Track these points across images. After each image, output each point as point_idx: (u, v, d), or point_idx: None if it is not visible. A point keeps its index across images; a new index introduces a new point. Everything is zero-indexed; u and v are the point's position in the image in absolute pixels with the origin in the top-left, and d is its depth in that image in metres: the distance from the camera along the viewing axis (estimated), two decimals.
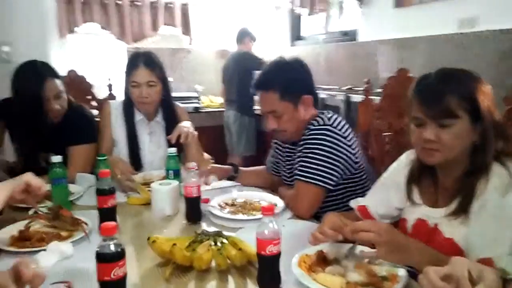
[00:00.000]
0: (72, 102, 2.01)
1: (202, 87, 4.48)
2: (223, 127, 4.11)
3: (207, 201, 1.56)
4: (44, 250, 1.16)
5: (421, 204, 1.18)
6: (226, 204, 1.57)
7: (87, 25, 3.99)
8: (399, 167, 1.27)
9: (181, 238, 1.21)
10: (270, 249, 0.99)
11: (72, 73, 2.42)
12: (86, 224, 1.32)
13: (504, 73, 2.11)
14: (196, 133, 1.89)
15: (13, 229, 1.30)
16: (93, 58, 4.07)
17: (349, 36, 3.66)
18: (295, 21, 4.51)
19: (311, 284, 0.98)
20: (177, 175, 1.62)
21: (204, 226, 1.42)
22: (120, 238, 1.32)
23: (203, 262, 1.09)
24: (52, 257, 1.14)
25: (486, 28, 2.28)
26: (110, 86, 2.48)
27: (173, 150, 1.65)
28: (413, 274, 0.99)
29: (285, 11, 4.46)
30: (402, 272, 1.00)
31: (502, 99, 1.45)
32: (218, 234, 1.20)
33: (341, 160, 1.51)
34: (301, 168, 1.52)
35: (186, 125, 1.87)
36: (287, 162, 1.71)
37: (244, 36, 4.03)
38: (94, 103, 2.43)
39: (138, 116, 1.99)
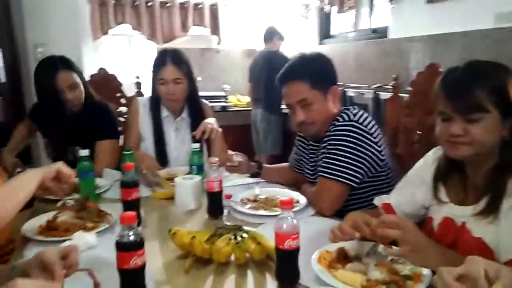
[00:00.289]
0: (97, 99, 2.07)
1: (229, 87, 4.51)
2: (250, 126, 4.12)
3: (229, 196, 1.56)
4: (69, 239, 1.19)
5: (448, 202, 1.13)
6: (248, 200, 1.56)
7: (119, 27, 4.10)
8: (426, 164, 1.22)
9: (201, 231, 1.21)
10: (289, 244, 0.97)
11: (102, 71, 2.49)
12: (110, 215, 1.35)
13: None
14: (220, 129, 1.90)
15: (42, 219, 1.34)
16: (124, 58, 4.17)
17: (379, 33, 3.59)
18: (325, 19, 4.47)
19: (331, 280, 0.96)
20: (200, 170, 1.63)
21: (226, 221, 1.42)
22: (144, 231, 1.37)
23: (222, 255, 1.09)
24: None
25: None
26: (138, 84, 2.52)
27: (196, 145, 1.66)
28: None
29: (314, 9, 4.43)
30: (426, 271, 0.96)
31: None
32: (238, 228, 1.19)
33: (366, 157, 1.47)
34: (324, 164, 1.49)
35: (210, 122, 1.89)
36: (311, 160, 1.68)
37: (272, 35, 4.02)
38: (123, 101, 2.49)
39: (165, 113, 2.02)
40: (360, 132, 1.47)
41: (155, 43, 4.19)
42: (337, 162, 1.46)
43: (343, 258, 1.06)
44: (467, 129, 1.00)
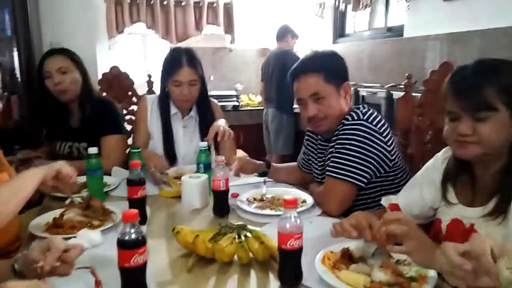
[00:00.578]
0: (102, 97, 2.09)
1: (242, 86, 4.51)
2: (261, 126, 4.11)
3: (236, 195, 1.55)
4: (74, 237, 1.19)
5: (457, 204, 1.10)
6: (255, 199, 1.55)
7: (134, 26, 4.14)
8: (436, 165, 1.20)
9: (205, 230, 1.20)
10: (291, 243, 0.96)
11: (114, 69, 2.51)
12: (115, 214, 1.35)
13: None
14: (231, 131, 1.85)
15: (49, 217, 1.35)
16: (138, 57, 4.21)
17: (394, 32, 3.54)
18: (340, 18, 4.42)
19: (333, 281, 0.95)
20: (207, 169, 1.62)
21: (231, 220, 1.41)
22: (150, 229, 1.37)
23: (225, 254, 1.08)
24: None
25: None
26: (149, 83, 2.54)
27: (204, 144, 1.65)
28: None
29: (329, 7, 4.39)
30: (432, 273, 0.93)
31: None
32: (242, 228, 1.18)
33: (375, 157, 1.44)
34: (332, 164, 1.47)
35: (221, 124, 1.85)
36: (319, 159, 1.66)
37: (285, 33, 3.99)
38: (134, 99, 2.50)
39: (173, 110, 2.02)
40: (369, 131, 1.45)
41: (169, 42, 4.21)
42: (345, 162, 1.44)
43: (347, 258, 1.04)
44: (475, 128, 0.97)
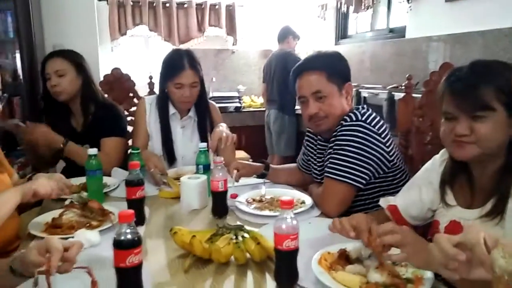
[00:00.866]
0: (105, 99, 2.10)
1: (244, 87, 4.52)
2: (264, 127, 4.11)
3: (235, 196, 1.55)
4: (72, 237, 1.20)
5: (456, 206, 1.10)
6: (254, 200, 1.55)
7: (137, 28, 4.16)
8: (434, 166, 1.19)
9: (202, 231, 1.21)
10: (287, 244, 0.96)
11: (115, 71, 2.51)
12: (113, 214, 1.36)
13: None
14: (234, 135, 1.79)
15: (49, 217, 1.36)
16: (140, 59, 4.22)
17: (396, 33, 3.53)
18: (342, 19, 4.42)
19: (329, 282, 0.95)
20: (206, 170, 1.62)
21: (230, 221, 1.41)
22: (148, 230, 1.37)
23: (221, 255, 1.08)
24: None
25: None
26: (150, 84, 2.54)
27: (203, 145, 1.65)
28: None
29: (331, 9, 4.38)
30: (428, 274, 0.93)
31: None
32: (240, 228, 1.18)
33: (373, 158, 1.44)
34: (331, 165, 1.47)
35: (223, 129, 1.79)
36: (319, 159, 1.66)
37: (286, 34, 3.99)
38: (135, 101, 2.51)
39: (172, 110, 2.02)
40: (368, 132, 1.44)
41: (172, 44, 4.22)
42: (344, 163, 1.44)
43: (344, 259, 1.04)
44: (472, 127, 0.97)
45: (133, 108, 2.50)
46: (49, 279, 0.87)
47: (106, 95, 2.25)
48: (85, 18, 3.50)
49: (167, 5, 4.23)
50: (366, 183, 1.45)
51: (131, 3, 4.07)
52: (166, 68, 1.96)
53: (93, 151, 1.56)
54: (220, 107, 4.05)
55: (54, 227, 1.29)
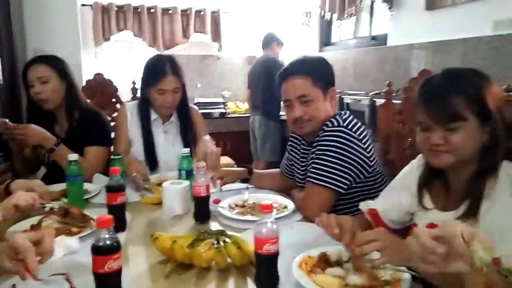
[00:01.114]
0: (90, 107, 2.08)
1: (229, 93, 4.53)
2: (248, 133, 4.12)
3: (218, 201, 1.55)
4: None
5: (433, 209, 1.12)
6: (236, 205, 1.56)
7: (121, 33, 4.14)
8: (411, 170, 1.22)
9: (184, 236, 1.20)
10: (267, 248, 0.96)
11: (97, 76, 2.50)
12: (94, 220, 1.34)
13: None
14: (219, 149, 1.76)
15: (27, 224, 1.33)
16: (124, 65, 4.20)
17: (378, 40, 3.58)
18: (326, 26, 4.47)
19: (309, 285, 0.95)
20: (189, 175, 1.62)
21: (212, 226, 1.41)
22: (129, 236, 1.36)
23: (202, 260, 1.08)
24: (58, 251, 1.16)
25: None
26: (133, 90, 2.53)
27: (186, 150, 1.65)
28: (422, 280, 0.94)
29: (315, 16, 4.44)
30: (406, 276, 0.95)
31: None
32: (221, 233, 1.18)
33: (354, 163, 1.46)
34: (312, 170, 1.48)
35: (208, 144, 1.76)
36: (302, 164, 1.67)
37: (270, 41, 4.02)
38: (118, 106, 2.50)
39: (153, 116, 2.02)
40: (349, 138, 1.46)
41: (156, 49, 4.21)
42: (325, 168, 1.45)
43: (324, 263, 1.05)
44: (446, 137, 1.00)
45: (116, 114, 2.48)
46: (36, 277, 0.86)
47: (88, 101, 2.23)
48: (68, 22, 3.48)
49: (152, 10, 4.23)
50: (347, 188, 1.47)
51: (116, 8, 4.06)
52: (148, 74, 1.95)
53: (73, 156, 1.54)
54: (205, 113, 4.06)
55: None
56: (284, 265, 1.04)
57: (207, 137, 1.87)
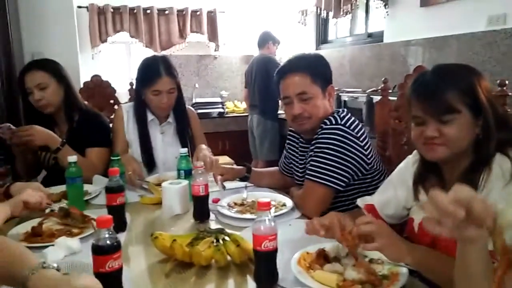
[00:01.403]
0: (89, 109, 2.08)
1: (227, 93, 4.53)
2: (247, 132, 4.13)
3: (217, 200, 1.56)
4: (53, 245, 1.20)
5: None
6: (236, 203, 1.57)
7: (118, 35, 4.14)
8: (407, 166, 1.24)
9: (183, 235, 1.21)
10: (266, 245, 0.97)
11: (95, 78, 2.51)
12: (94, 220, 1.35)
13: None
14: (217, 158, 1.76)
15: (28, 226, 1.35)
16: (122, 66, 4.21)
17: (375, 37, 3.60)
18: (322, 24, 4.49)
19: (307, 280, 0.97)
20: (188, 175, 1.63)
21: (212, 225, 1.42)
22: (129, 235, 1.37)
23: (202, 258, 1.09)
24: (59, 252, 1.18)
25: None
26: (131, 91, 2.54)
27: (184, 150, 1.66)
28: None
29: (311, 14, 4.45)
30: (403, 270, 0.96)
31: None
32: (220, 232, 1.19)
33: (352, 161, 1.47)
34: (311, 167, 1.50)
35: (206, 153, 1.75)
36: (301, 161, 1.69)
37: (266, 40, 4.03)
38: (116, 107, 2.50)
39: (150, 117, 2.03)
40: (347, 135, 1.47)
41: (153, 50, 4.22)
42: (324, 166, 1.46)
43: (322, 258, 1.06)
44: (441, 130, 1.02)
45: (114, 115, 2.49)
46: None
47: (86, 102, 2.23)
48: (64, 25, 3.47)
49: (148, 11, 4.23)
50: (345, 185, 1.48)
51: (112, 9, 4.07)
52: (142, 75, 1.96)
53: (72, 158, 1.55)
54: (203, 113, 4.06)
55: (34, 235, 1.28)
56: (283, 261, 1.05)
57: (204, 146, 1.86)
